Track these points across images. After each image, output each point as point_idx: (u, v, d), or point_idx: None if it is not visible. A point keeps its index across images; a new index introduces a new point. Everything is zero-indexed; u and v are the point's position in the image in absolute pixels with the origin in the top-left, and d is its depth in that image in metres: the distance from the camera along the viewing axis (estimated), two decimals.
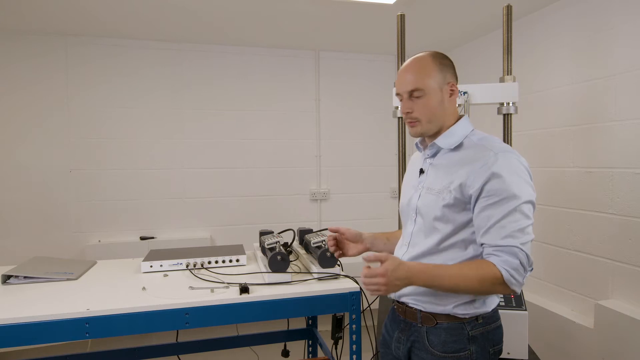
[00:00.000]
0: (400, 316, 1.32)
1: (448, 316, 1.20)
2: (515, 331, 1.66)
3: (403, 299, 1.29)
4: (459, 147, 1.22)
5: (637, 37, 2.12)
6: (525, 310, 1.67)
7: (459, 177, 1.15)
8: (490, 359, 1.22)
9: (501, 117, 1.98)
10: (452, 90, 1.23)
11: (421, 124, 1.24)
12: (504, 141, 1.97)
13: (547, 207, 2.66)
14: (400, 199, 1.42)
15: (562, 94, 2.56)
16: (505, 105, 1.93)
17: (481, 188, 1.11)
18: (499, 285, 1.09)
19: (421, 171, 1.31)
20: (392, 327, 1.36)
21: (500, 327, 1.26)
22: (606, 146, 2.28)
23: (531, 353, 1.75)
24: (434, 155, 1.27)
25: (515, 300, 1.71)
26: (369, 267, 1.11)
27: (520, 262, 1.08)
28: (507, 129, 1.97)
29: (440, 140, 1.24)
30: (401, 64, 2.04)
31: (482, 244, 1.14)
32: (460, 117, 1.28)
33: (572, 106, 2.49)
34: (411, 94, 1.23)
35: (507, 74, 1.95)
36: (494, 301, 1.24)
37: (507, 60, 1.95)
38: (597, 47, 2.33)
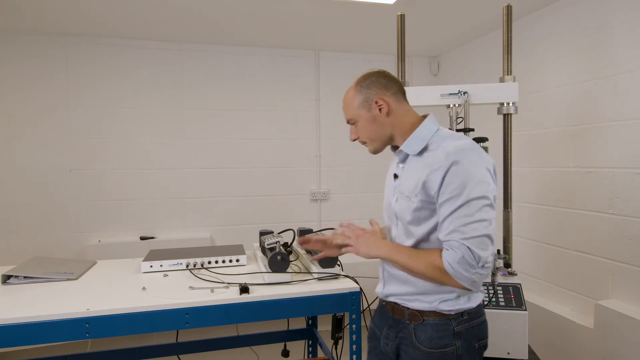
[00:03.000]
0: (388, 313, 1.35)
1: (434, 313, 1.23)
2: (515, 331, 1.66)
3: (390, 299, 1.33)
4: (424, 150, 1.25)
5: (637, 37, 2.12)
6: (525, 310, 1.68)
7: (422, 180, 1.19)
8: (476, 353, 1.26)
9: (501, 117, 1.98)
10: (379, 106, 1.27)
11: (369, 144, 1.34)
12: (505, 141, 1.97)
13: (547, 207, 2.66)
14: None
15: (562, 94, 2.56)
16: (505, 105, 1.93)
17: (439, 187, 1.15)
18: (445, 275, 1.13)
19: (395, 176, 1.34)
20: (381, 323, 1.39)
21: (484, 322, 1.30)
22: (606, 146, 2.28)
23: (531, 353, 1.75)
24: (404, 160, 1.31)
25: (515, 301, 1.71)
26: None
27: (463, 257, 1.09)
28: (507, 129, 1.97)
29: (405, 147, 1.28)
30: (401, 64, 2.05)
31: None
32: (424, 116, 1.30)
33: (572, 106, 2.49)
34: (350, 122, 1.35)
35: (507, 74, 1.95)
36: (478, 297, 1.27)
37: (507, 60, 1.95)
38: (597, 47, 2.33)
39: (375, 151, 1.35)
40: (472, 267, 1.10)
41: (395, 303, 1.31)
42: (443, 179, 1.14)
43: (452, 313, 1.22)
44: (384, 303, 1.38)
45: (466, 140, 1.21)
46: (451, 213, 1.13)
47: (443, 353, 1.21)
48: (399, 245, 1.27)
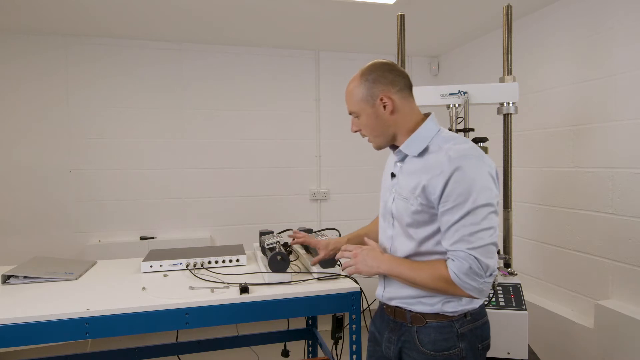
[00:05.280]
0: (389, 316, 1.32)
1: (437, 315, 1.21)
2: (515, 331, 1.66)
3: (392, 303, 1.30)
4: (424, 152, 1.20)
5: (637, 37, 2.12)
6: (525, 310, 1.68)
7: (422, 184, 1.16)
8: (479, 354, 1.24)
9: (501, 117, 1.98)
10: (384, 103, 1.20)
11: (372, 140, 1.29)
12: (505, 141, 1.97)
13: (547, 207, 2.66)
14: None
15: (562, 94, 2.56)
16: (505, 105, 1.94)
17: (440, 194, 1.12)
18: (452, 285, 1.11)
19: (393, 175, 1.30)
20: (382, 326, 1.36)
21: (487, 323, 1.27)
22: (606, 146, 2.28)
23: (531, 353, 1.75)
24: (402, 160, 1.27)
25: (515, 300, 1.71)
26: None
27: (470, 267, 1.07)
28: (507, 129, 1.97)
29: (405, 147, 1.23)
30: (401, 64, 2.05)
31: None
32: (425, 115, 1.25)
33: (572, 106, 2.49)
34: (352, 114, 1.28)
35: (507, 74, 1.95)
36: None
37: (507, 60, 1.95)
38: (597, 47, 2.33)
39: (379, 147, 1.30)
40: (480, 277, 1.08)
41: (397, 307, 1.28)
42: (445, 185, 1.10)
43: (456, 315, 1.20)
44: (384, 306, 1.35)
45: (468, 144, 1.17)
46: (456, 222, 1.09)
47: (447, 355, 1.19)
48: (399, 259, 1.24)
